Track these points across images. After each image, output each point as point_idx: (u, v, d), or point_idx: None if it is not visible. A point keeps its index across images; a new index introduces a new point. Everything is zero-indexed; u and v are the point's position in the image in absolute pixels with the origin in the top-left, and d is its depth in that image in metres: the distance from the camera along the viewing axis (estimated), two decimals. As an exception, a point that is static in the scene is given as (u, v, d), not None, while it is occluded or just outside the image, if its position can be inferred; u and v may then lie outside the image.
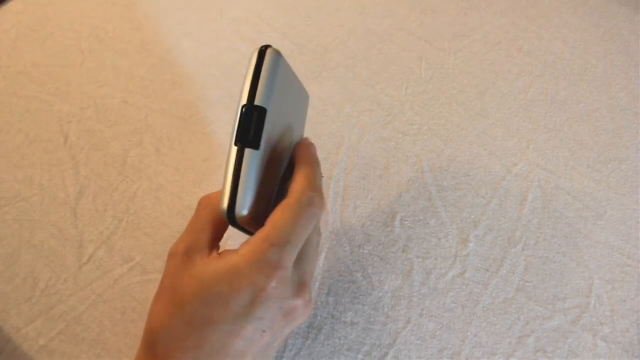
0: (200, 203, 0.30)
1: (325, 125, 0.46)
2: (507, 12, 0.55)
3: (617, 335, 0.35)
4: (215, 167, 0.43)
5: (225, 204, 0.26)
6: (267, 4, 0.56)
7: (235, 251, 0.27)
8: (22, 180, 0.42)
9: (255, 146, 0.27)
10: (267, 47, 0.28)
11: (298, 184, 0.28)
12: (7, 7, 0.55)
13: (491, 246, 0.39)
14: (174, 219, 0.40)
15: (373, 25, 0.54)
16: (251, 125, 0.27)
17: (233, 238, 0.39)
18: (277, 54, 0.28)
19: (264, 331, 0.26)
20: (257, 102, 0.27)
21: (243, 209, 0.26)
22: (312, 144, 0.33)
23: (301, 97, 0.34)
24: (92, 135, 0.45)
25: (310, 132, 0.45)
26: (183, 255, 0.28)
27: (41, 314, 0.36)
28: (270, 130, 0.27)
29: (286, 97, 0.29)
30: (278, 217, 0.27)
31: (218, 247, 0.29)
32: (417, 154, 0.44)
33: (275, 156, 0.29)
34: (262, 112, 0.27)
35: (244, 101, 0.27)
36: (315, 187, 0.29)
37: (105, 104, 0.47)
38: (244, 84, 0.28)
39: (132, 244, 0.39)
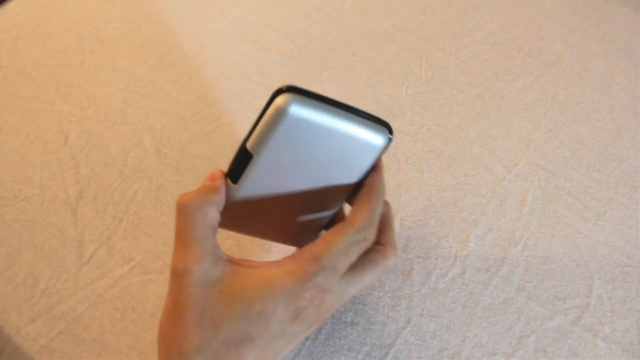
0: (184, 205, 0.27)
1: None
2: (507, 12, 0.55)
3: (617, 335, 0.35)
4: (215, 167, 0.43)
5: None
6: (267, 4, 0.56)
7: (278, 264, 0.27)
8: (22, 180, 0.42)
9: (233, 181, 0.28)
10: (288, 89, 0.25)
11: (361, 213, 0.28)
12: (7, 7, 0.55)
13: (491, 246, 0.39)
14: (174, 218, 0.40)
15: (373, 25, 0.54)
16: (238, 161, 0.27)
17: (233, 236, 0.39)
18: (292, 105, 0.24)
19: (290, 342, 0.27)
20: (247, 145, 0.26)
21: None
22: (381, 165, 0.30)
23: (352, 145, 0.28)
24: (92, 135, 0.45)
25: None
26: (197, 271, 0.25)
27: (41, 314, 0.36)
28: (266, 171, 0.27)
29: (308, 146, 0.27)
30: (333, 240, 0.27)
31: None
32: (417, 154, 0.44)
33: (278, 186, 0.29)
34: (248, 156, 0.27)
35: (245, 137, 0.27)
36: (374, 223, 0.29)
37: (105, 104, 0.47)
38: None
39: (132, 244, 0.39)
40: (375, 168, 0.30)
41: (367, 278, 0.28)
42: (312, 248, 0.27)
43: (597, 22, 0.54)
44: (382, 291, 0.37)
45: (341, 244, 0.27)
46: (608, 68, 0.50)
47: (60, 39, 0.52)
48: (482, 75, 0.50)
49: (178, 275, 0.26)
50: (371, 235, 0.28)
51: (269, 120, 0.25)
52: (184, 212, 0.27)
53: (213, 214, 0.27)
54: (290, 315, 0.26)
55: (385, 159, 0.44)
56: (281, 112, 0.24)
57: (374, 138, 0.28)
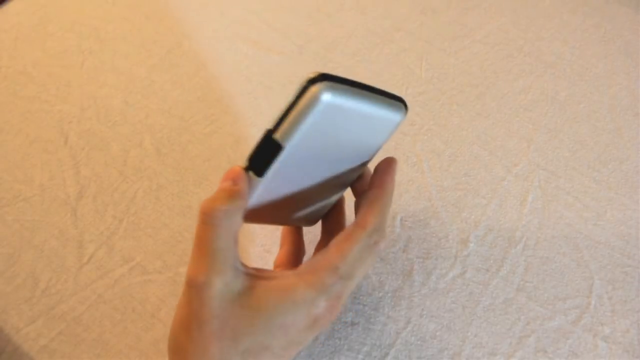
0: (211, 215, 0.25)
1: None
2: (507, 12, 0.55)
3: (617, 335, 0.35)
4: (215, 167, 0.43)
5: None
6: (268, 4, 0.56)
7: (298, 276, 0.26)
8: (22, 180, 0.42)
9: (259, 174, 0.26)
10: (321, 77, 0.24)
11: (372, 216, 0.28)
12: (7, 7, 0.55)
13: (491, 246, 0.39)
14: (174, 219, 0.40)
15: (373, 25, 0.54)
16: (263, 154, 0.25)
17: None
18: (326, 93, 0.24)
19: (301, 345, 0.28)
20: (276, 136, 0.25)
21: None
22: (395, 166, 0.30)
23: (374, 124, 0.28)
24: (92, 135, 0.45)
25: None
26: (218, 284, 0.25)
27: (41, 314, 0.36)
28: (292, 161, 0.26)
29: (336, 132, 0.26)
30: (347, 247, 0.27)
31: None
32: (417, 154, 0.44)
33: (302, 176, 0.28)
34: (277, 147, 0.25)
35: (270, 125, 0.25)
36: (384, 226, 0.28)
37: (105, 104, 0.47)
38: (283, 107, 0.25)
39: (132, 244, 0.39)
40: (388, 168, 0.30)
41: (363, 271, 0.29)
42: (328, 257, 0.27)
43: (597, 22, 0.54)
44: (382, 291, 0.37)
45: (355, 250, 0.27)
46: (608, 68, 0.50)
47: (60, 39, 0.52)
48: (482, 75, 0.50)
49: (198, 287, 0.25)
50: (381, 239, 0.28)
51: (303, 111, 0.24)
52: (210, 222, 0.25)
53: (239, 222, 0.26)
54: (307, 324, 0.26)
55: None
56: (317, 102, 0.24)
57: (394, 116, 0.28)
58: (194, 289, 0.25)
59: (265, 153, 0.25)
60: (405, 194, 0.42)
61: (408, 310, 0.36)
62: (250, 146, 0.44)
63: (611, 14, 0.55)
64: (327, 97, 0.24)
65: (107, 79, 0.49)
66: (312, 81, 0.24)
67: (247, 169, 0.26)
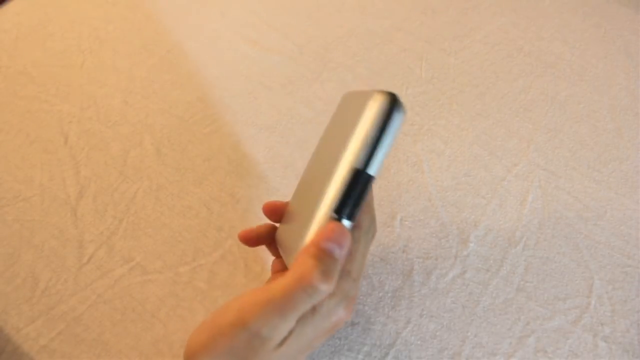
0: (314, 288, 0.24)
1: (325, 125, 0.46)
2: (507, 12, 0.55)
3: (617, 335, 0.35)
4: (215, 167, 0.43)
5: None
6: (268, 4, 0.56)
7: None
8: (22, 180, 0.42)
9: (353, 218, 0.24)
10: (395, 100, 0.23)
11: (364, 214, 0.28)
12: (7, 7, 0.55)
13: (491, 246, 0.39)
14: (174, 219, 0.40)
15: (373, 25, 0.54)
16: (357, 195, 0.24)
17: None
18: (402, 114, 0.23)
19: (316, 347, 0.29)
20: (370, 171, 0.24)
21: None
22: None
23: None
24: (92, 135, 0.45)
25: (311, 132, 0.45)
26: (277, 340, 0.24)
27: (41, 314, 0.36)
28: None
29: None
30: (353, 250, 0.27)
31: None
32: (417, 154, 0.44)
33: None
34: (369, 181, 0.24)
35: (359, 164, 0.23)
36: (374, 217, 0.29)
37: (105, 104, 0.47)
38: (355, 135, 0.24)
39: (132, 244, 0.39)
40: None
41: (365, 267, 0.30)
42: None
43: (597, 22, 0.54)
44: (382, 291, 0.37)
45: (360, 250, 0.28)
46: (608, 68, 0.50)
47: (60, 39, 0.52)
48: (482, 75, 0.50)
49: (257, 338, 0.24)
50: (375, 231, 0.29)
51: (389, 138, 0.24)
52: (312, 294, 0.24)
53: None
54: (327, 330, 0.28)
55: (385, 159, 0.44)
56: (399, 125, 0.24)
57: None
58: (252, 337, 0.24)
59: (359, 194, 0.24)
60: (405, 194, 0.42)
61: (408, 310, 0.36)
62: (249, 147, 0.44)
63: (611, 14, 0.55)
64: (402, 117, 0.24)
65: (107, 79, 0.49)
66: (390, 110, 0.23)
67: (339, 217, 0.24)
